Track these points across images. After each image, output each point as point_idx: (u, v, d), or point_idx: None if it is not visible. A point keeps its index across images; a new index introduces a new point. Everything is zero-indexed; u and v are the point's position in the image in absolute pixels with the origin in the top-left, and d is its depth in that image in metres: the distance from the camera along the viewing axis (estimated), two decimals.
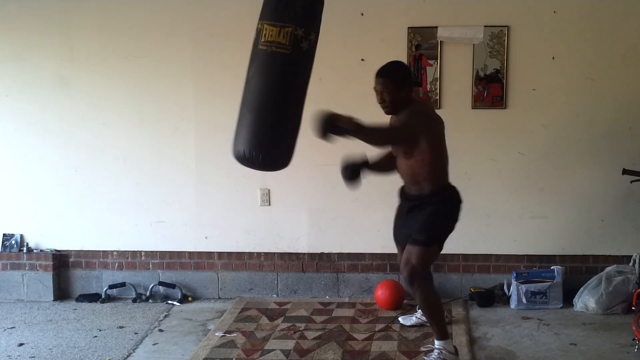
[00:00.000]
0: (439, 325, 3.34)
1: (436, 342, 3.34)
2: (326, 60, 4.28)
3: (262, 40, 2.64)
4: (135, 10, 4.40)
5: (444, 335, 3.33)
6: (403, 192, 3.50)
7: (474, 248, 4.37)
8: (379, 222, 4.37)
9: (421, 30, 4.22)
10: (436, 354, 3.29)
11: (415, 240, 3.28)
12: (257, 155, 2.71)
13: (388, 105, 3.27)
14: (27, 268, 4.58)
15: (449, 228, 3.38)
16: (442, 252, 4.34)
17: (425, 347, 3.47)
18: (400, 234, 3.52)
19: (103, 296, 4.54)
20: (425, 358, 3.35)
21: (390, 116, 3.40)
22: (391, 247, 4.37)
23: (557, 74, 4.20)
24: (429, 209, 3.29)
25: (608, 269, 4.17)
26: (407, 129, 3.22)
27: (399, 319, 3.91)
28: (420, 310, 3.79)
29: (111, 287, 4.57)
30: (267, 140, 2.70)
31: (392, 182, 4.46)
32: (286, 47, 2.61)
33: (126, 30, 4.42)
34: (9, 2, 4.45)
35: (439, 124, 3.31)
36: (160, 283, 4.56)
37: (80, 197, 4.58)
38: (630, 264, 4.19)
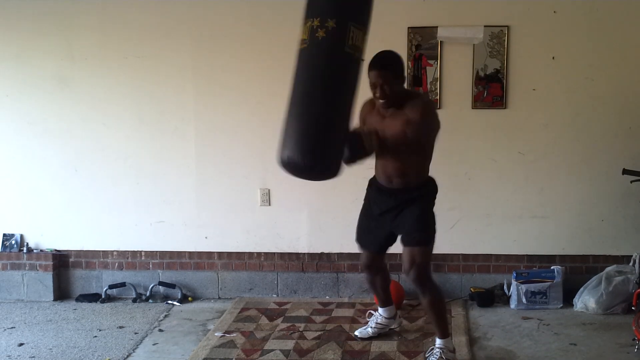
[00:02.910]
0: (444, 323, 3.34)
1: (438, 340, 3.33)
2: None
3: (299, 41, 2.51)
4: (135, 10, 4.40)
5: (446, 334, 3.34)
6: (378, 187, 3.34)
7: (474, 248, 4.37)
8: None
9: (421, 30, 4.22)
10: (438, 353, 3.28)
11: (416, 240, 3.24)
12: (296, 161, 2.61)
13: (389, 97, 3.07)
14: (27, 268, 4.58)
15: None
16: (442, 252, 4.39)
17: (429, 352, 3.39)
18: (375, 236, 3.41)
19: (103, 296, 4.54)
20: (426, 357, 3.34)
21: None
22: (391, 247, 4.39)
23: (557, 74, 4.20)
24: (420, 205, 3.23)
25: (608, 269, 4.17)
26: (434, 132, 3.14)
27: (356, 333, 3.72)
28: (377, 318, 3.71)
29: (111, 287, 4.57)
30: (298, 142, 2.55)
31: None
32: (306, 41, 2.50)
33: (126, 30, 4.42)
34: (9, 2, 4.45)
35: None
36: (160, 283, 4.56)
37: (80, 197, 4.58)
38: (630, 264, 4.19)
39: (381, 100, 3.10)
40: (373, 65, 3.07)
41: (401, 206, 3.25)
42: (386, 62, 3.08)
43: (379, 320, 3.71)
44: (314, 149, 2.50)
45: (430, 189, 3.29)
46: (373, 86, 3.08)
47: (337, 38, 2.47)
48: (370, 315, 3.79)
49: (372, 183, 3.42)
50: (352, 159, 2.96)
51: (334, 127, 2.55)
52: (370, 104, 3.26)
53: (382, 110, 3.16)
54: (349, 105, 2.64)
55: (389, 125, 3.10)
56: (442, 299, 3.36)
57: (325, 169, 2.66)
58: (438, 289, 3.35)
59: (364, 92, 3.06)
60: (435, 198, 3.31)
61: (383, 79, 3.04)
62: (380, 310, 3.72)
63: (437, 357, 3.27)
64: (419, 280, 3.24)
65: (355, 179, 4.25)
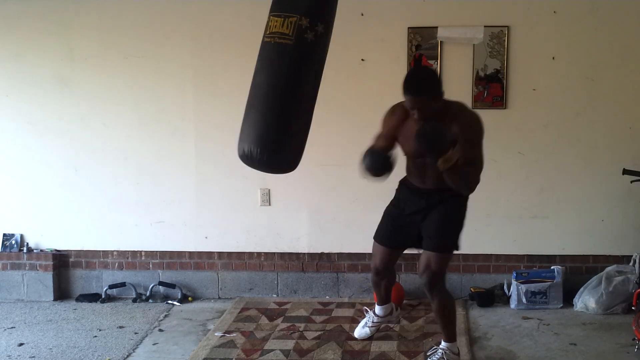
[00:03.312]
0: (452, 328, 3.30)
1: (443, 343, 3.30)
2: (326, 60, 4.29)
3: (267, 32, 2.52)
4: (135, 10, 4.40)
5: (453, 338, 3.31)
6: (410, 187, 3.23)
7: (474, 248, 4.36)
8: (379, 222, 4.36)
9: (421, 30, 4.22)
10: (440, 353, 3.27)
11: (435, 245, 3.15)
12: (261, 155, 2.56)
13: (428, 116, 2.91)
14: (27, 268, 4.58)
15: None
16: None
17: (432, 350, 3.37)
18: (400, 234, 3.29)
19: (103, 296, 4.54)
20: (428, 355, 3.34)
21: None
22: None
23: (557, 74, 4.20)
24: (447, 209, 3.13)
25: (608, 269, 4.17)
26: (481, 141, 2.99)
27: (355, 335, 3.69)
28: (373, 318, 3.66)
29: (111, 287, 4.57)
30: (270, 138, 2.52)
31: (392, 182, 4.46)
32: (289, 37, 2.48)
33: (126, 30, 4.42)
34: (9, 2, 4.45)
35: None
36: (160, 283, 4.56)
37: (80, 197, 4.58)
38: (630, 264, 4.19)
39: (419, 118, 2.96)
40: (409, 90, 2.90)
41: (431, 207, 3.15)
42: (422, 86, 2.91)
43: (375, 320, 3.68)
44: (283, 146, 2.56)
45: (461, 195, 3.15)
46: (411, 107, 2.94)
47: (325, 42, 2.56)
48: (366, 312, 3.75)
49: (404, 182, 3.32)
50: (379, 175, 2.99)
51: (301, 124, 2.59)
52: (402, 110, 3.07)
53: (423, 119, 2.96)
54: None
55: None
56: (452, 304, 3.31)
57: (285, 164, 2.68)
58: (448, 296, 3.30)
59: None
60: (466, 205, 3.19)
61: (420, 104, 2.90)
62: (376, 308, 3.68)
63: (439, 356, 3.26)
64: (429, 285, 3.18)
65: (356, 179, 4.25)
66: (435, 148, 2.81)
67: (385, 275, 3.49)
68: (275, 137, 2.52)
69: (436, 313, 3.29)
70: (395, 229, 3.32)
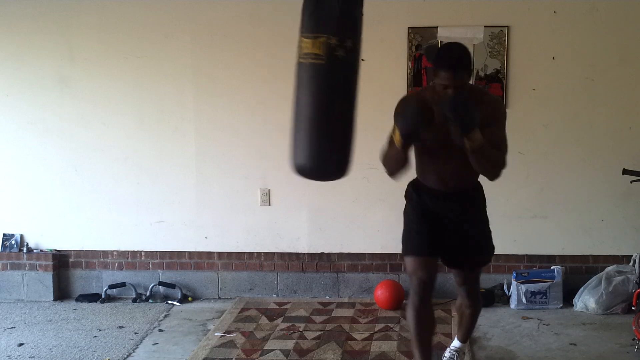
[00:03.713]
0: (472, 330, 3.29)
1: (458, 342, 3.24)
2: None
3: (301, 52, 2.61)
4: (135, 10, 4.40)
5: (467, 339, 3.27)
6: (430, 192, 2.89)
7: None
8: (379, 222, 4.37)
9: (421, 30, 4.22)
10: (453, 355, 3.22)
11: (482, 261, 3.06)
12: (315, 168, 2.67)
13: None
14: (27, 268, 4.58)
15: None
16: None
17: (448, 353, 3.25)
18: (440, 240, 2.88)
19: (103, 296, 4.54)
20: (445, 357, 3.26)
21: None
22: (392, 247, 4.39)
23: (557, 74, 4.20)
24: (482, 216, 3.00)
25: (608, 269, 4.18)
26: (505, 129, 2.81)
27: None
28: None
29: (111, 287, 4.57)
30: (321, 152, 2.62)
31: (392, 182, 4.46)
32: (322, 57, 2.55)
33: (126, 30, 4.42)
34: (9, 2, 4.45)
35: None
36: (160, 283, 4.56)
37: (80, 197, 4.58)
38: (630, 264, 4.19)
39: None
40: (450, 65, 2.63)
41: (465, 211, 2.90)
42: (464, 60, 2.66)
43: None
44: (334, 158, 2.69)
45: (482, 189, 3.01)
46: (444, 86, 2.64)
47: (356, 56, 2.65)
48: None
49: (419, 187, 2.93)
50: (397, 172, 2.81)
51: (346, 134, 2.68)
52: (417, 100, 2.76)
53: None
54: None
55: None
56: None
57: (337, 173, 2.76)
58: (482, 300, 3.25)
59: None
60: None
61: (460, 80, 2.62)
62: None
63: (450, 356, 3.22)
64: (472, 295, 3.07)
65: (355, 179, 4.26)
66: (467, 119, 2.56)
67: (429, 300, 2.88)
68: (325, 150, 2.62)
69: (469, 317, 3.13)
70: (438, 237, 2.87)
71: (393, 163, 2.80)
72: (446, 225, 2.88)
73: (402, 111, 2.72)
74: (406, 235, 2.92)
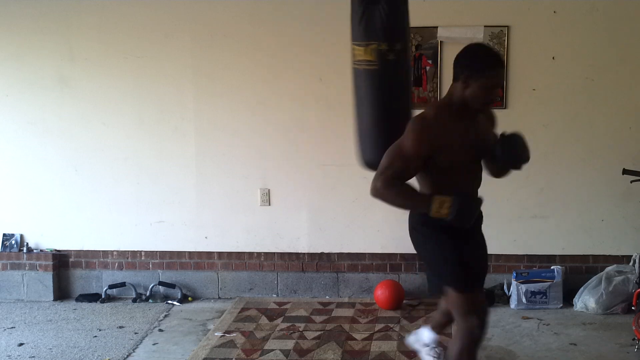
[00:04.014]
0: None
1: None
2: (326, 60, 4.30)
3: (355, 59, 2.80)
4: (135, 10, 4.40)
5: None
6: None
7: None
8: (379, 222, 4.37)
9: (421, 30, 4.22)
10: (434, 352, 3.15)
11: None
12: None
13: None
14: (27, 268, 4.58)
15: None
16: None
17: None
18: (483, 268, 2.80)
19: (103, 296, 4.54)
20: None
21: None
22: (392, 247, 4.41)
23: (557, 74, 4.20)
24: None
25: (608, 269, 4.18)
26: None
27: None
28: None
29: (111, 287, 4.57)
30: (382, 146, 2.68)
31: None
32: (374, 63, 2.74)
33: (126, 30, 4.42)
34: (9, 2, 4.45)
35: None
36: (160, 283, 4.56)
37: (80, 197, 4.58)
38: (630, 264, 4.19)
39: (488, 105, 2.63)
40: (500, 63, 2.54)
41: (478, 221, 2.79)
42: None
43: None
44: None
45: None
46: (494, 87, 2.54)
47: (406, 56, 2.81)
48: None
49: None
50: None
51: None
52: (441, 122, 2.52)
53: (470, 119, 2.60)
54: None
55: (488, 131, 2.74)
56: None
57: None
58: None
59: None
60: None
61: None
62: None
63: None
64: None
65: (355, 179, 4.27)
66: (524, 157, 2.73)
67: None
68: (389, 144, 2.65)
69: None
70: (476, 259, 2.71)
71: (408, 202, 2.61)
72: (476, 243, 2.75)
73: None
74: (447, 267, 2.62)
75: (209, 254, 4.57)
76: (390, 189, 2.51)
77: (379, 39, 2.70)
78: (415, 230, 2.72)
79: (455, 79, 2.54)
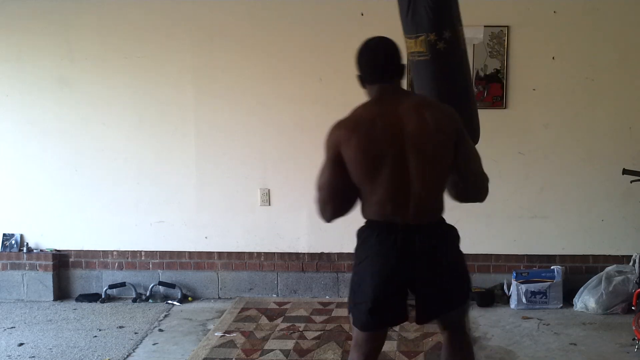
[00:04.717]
0: None
1: None
2: (326, 60, 4.30)
3: (408, 51, 2.79)
4: (135, 10, 4.40)
5: None
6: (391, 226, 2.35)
7: (474, 248, 4.36)
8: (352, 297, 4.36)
9: None
10: None
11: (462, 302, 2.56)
12: None
13: None
14: (27, 268, 4.58)
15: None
16: None
17: None
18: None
19: (103, 296, 4.54)
20: None
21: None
22: None
23: (557, 74, 4.20)
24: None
25: (608, 268, 4.18)
26: None
27: None
28: None
29: (111, 287, 4.57)
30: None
31: None
32: (425, 54, 2.73)
33: (126, 30, 4.42)
34: (9, 2, 4.45)
35: None
36: (160, 283, 4.56)
37: (80, 197, 4.58)
38: (630, 264, 4.19)
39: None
40: (369, 48, 2.41)
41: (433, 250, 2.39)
42: (394, 60, 2.45)
43: None
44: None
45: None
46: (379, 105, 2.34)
47: (457, 41, 2.80)
48: None
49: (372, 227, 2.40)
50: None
51: (472, 112, 2.84)
52: (350, 124, 2.32)
53: (394, 118, 2.30)
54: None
55: (434, 130, 2.32)
56: None
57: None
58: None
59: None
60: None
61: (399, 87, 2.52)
62: None
63: None
64: (460, 345, 2.55)
65: None
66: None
67: None
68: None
69: None
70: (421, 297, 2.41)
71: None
72: (426, 280, 2.35)
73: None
74: (354, 304, 2.40)
75: (209, 254, 4.57)
76: (316, 203, 2.39)
77: (426, 30, 2.71)
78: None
79: None
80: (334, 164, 2.30)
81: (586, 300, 4.09)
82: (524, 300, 4.15)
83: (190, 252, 4.58)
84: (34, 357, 3.60)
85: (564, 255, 4.34)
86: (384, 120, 2.22)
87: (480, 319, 4.01)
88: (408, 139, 2.18)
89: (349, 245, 4.56)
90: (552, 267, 4.25)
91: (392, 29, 4.25)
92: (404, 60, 2.42)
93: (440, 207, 2.35)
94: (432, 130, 2.19)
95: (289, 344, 3.65)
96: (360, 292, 2.34)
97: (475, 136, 2.75)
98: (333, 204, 2.38)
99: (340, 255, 4.48)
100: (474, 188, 2.41)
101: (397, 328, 3.84)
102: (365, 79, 2.36)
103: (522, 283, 4.16)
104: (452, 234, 2.43)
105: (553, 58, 4.19)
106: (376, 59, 2.33)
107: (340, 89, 4.28)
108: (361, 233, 2.42)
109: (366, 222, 2.39)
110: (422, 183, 2.20)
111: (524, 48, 4.19)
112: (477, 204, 4.44)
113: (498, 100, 4.23)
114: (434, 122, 2.20)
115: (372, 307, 2.29)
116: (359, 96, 4.40)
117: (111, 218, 4.59)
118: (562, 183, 4.29)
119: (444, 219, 2.40)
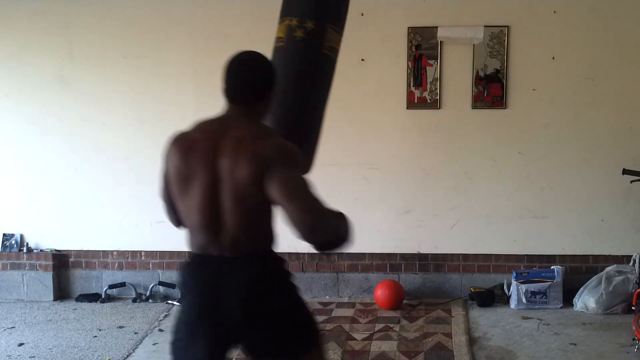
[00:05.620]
0: None
1: None
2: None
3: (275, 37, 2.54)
4: (135, 11, 4.40)
5: None
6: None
7: (474, 248, 4.36)
8: (379, 222, 4.37)
9: (421, 30, 4.22)
10: None
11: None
12: None
13: None
14: (27, 268, 4.58)
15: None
16: (442, 252, 4.39)
17: None
18: None
19: (103, 296, 4.53)
20: None
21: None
22: (391, 247, 4.41)
23: (557, 74, 4.20)
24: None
25: (608, 268, 4.17)
26: None
27: None
28: None
29: (111, 287, 4.57)
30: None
31: (392, 182, 4.47)
32: (282, 39, 2.52)
33: (126, 30, 4.42)
34: (9, 1, 4.45)
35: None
36: (160, 283, 4.55)
37: (80, 197, 4.58)
38: (630, 264, 4.19)
39: None
40: (227, 68, 2.23)
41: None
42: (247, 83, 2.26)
43: None
44: None
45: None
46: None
47: (316, 39, 2.49)
48: None
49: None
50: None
51: (307, 126, 2.54)
52: (180, 139, 2.27)
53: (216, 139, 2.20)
54: (323, 106, 2.63)
55: (235, 164, 2.10)
56: None
57: None
58: None
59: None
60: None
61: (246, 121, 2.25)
62: None
63: None
64: None
65: (355, 179, 4.27)
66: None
67: None
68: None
69: None
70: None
71: None
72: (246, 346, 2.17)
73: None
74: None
75: None
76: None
77: (291, 15, 2.48)
78: None
79: None
80: (162, 176, 2.20)
81: (586, 300, 4.09)
82: (524, 300, 4.15)
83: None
84: (33, 357, 3.60)
85: (564, 255, 4.34)
86: (205, 144, 2.06)
87: (480, 319, 4.01)
88: (220, 170, 2.01)
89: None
90: (552, 267, 4.25)
91: (392, 28, 4.27)
92: (271, 84, 2.17)
93: (258, 244, 2.15)
94: (242, 166, 1.97)
95: None
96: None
97: (307, 162, 2.45)
98: (169, 215, 2.30)
99: (340, 255, 4.47)
100: (304, 230, 2.12)
101: (397, 328, 3.84)
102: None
103: (522, 283, 4.16)
104: (273, 274, 2.19)
105: (553, 58, 4.19)
106: (228, 77, 2.14)
107: (340, 88, 4.27)
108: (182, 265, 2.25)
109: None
110: (232, 218, 2.02)
111: (524, 48, 4.19)
112: (477, 204, 4.46)
113: (498, 100, 4.23)
114: (250, 157, 1.97)
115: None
116: (358, 96, 4.41)
117: (111, 218, 4.58)
118: (562, 183, 4.29)
119: (267, 255, 2.20)
